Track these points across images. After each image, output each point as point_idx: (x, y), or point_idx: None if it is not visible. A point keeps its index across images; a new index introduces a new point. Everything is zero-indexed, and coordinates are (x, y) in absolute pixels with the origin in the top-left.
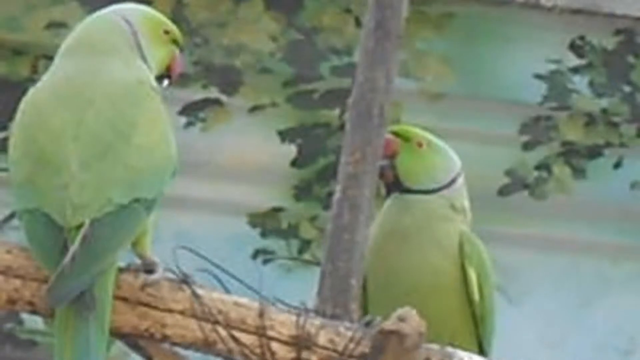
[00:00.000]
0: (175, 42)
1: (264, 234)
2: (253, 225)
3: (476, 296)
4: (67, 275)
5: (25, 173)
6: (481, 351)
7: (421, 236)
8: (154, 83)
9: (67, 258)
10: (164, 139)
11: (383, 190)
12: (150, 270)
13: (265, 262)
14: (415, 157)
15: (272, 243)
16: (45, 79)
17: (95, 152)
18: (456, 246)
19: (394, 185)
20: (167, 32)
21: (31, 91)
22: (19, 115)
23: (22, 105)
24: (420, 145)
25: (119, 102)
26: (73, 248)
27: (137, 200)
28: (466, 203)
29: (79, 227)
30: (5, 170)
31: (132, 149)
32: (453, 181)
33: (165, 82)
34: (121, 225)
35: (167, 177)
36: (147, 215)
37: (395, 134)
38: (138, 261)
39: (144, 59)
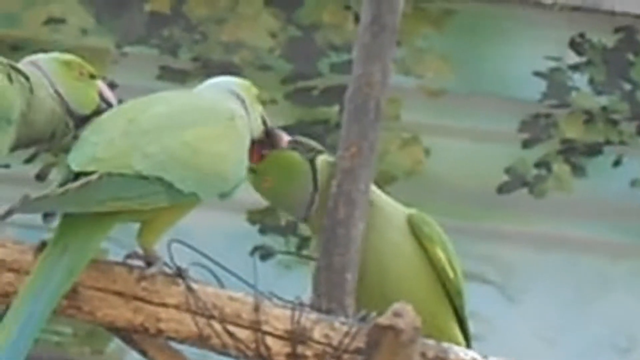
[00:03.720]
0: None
1: (262, 231)
2: (252, 222)
3: (451, 274)
4: (50, 195)
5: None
6: (462, 328)
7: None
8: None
9: (60, 188)
10: (222, 156)
11: None
12: (149, 264)
13: (264, 258)
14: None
15: (270, 240)
16: None
17: (140, 131)
18: (407, 226)
19: None
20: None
21: None
22: None
23: None
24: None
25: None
26: (71, 184)
27: (159, 179)
28: None
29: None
30: (6, 166)
31: (178, 138)
32: None
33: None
34: (128, 189)
35: (207, 187)
36: (165, 200)
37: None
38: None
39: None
